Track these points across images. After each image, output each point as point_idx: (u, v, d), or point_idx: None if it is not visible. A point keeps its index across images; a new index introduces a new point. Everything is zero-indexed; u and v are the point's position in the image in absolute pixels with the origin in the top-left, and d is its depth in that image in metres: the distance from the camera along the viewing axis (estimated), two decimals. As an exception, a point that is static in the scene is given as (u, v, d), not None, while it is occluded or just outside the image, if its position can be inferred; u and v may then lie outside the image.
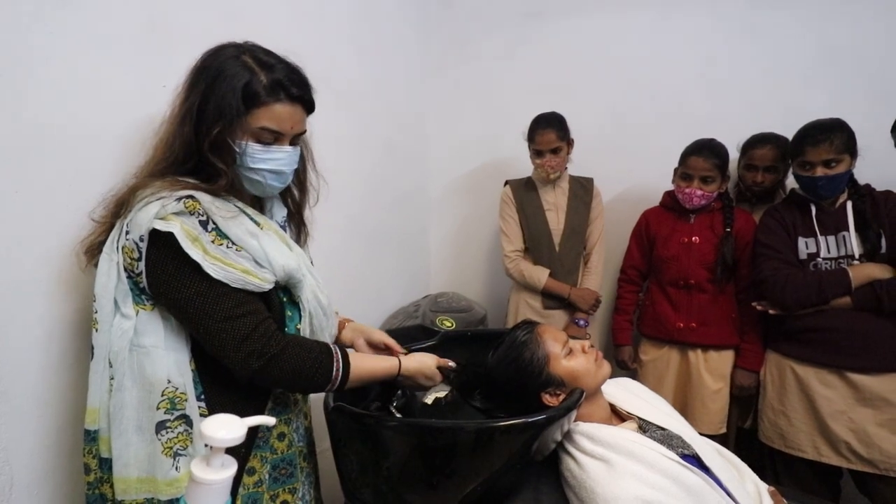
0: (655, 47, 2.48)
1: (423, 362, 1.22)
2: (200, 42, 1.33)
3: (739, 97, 2.36)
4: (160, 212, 0.95)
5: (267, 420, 0.79)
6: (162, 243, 0.95)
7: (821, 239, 1.83)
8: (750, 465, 1.30)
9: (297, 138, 1.09)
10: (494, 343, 1.28)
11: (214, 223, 1.00)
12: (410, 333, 2.23)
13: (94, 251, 1.04)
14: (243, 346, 0.98)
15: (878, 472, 1.75)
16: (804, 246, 1.87)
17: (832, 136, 1.76)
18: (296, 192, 1.22)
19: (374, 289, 2.38)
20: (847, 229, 1.80)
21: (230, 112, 0.98)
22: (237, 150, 1.01)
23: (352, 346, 1.32)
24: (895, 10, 2.14)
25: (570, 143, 2.29)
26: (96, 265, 1.02)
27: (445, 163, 2.96)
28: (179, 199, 0.97)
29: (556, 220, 2.36)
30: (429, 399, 1.31)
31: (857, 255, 1.78)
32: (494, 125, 2.79)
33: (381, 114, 2.41)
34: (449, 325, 2.30)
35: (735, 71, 2.37)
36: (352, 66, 2.09)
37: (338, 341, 1.31)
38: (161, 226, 0.94)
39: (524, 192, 2.40)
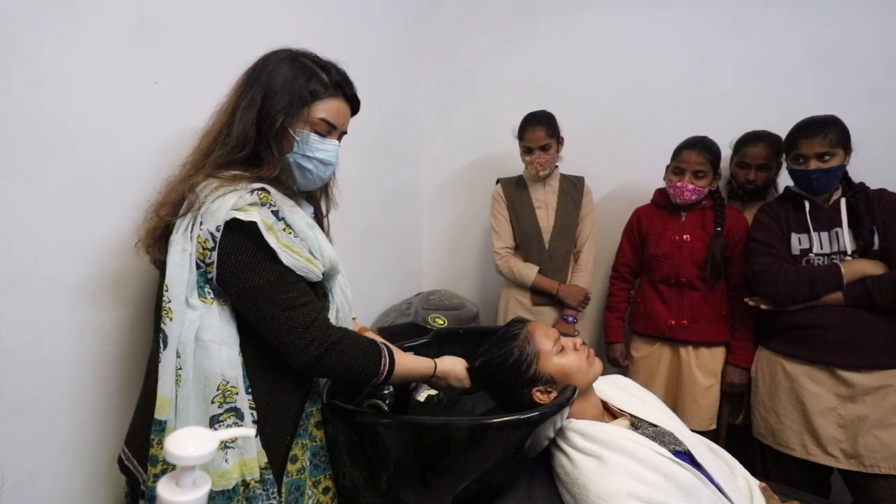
0: (647, 45, 2.49)
1: (454, 366, 1.27)
2: (192, 40, 1.33)
3: (731, 95, 2.37)
4: (238, 202, 1.00)
5: (246, 432, 0.79)
6: (239, 232, 1.00)
7: (814, 235, 1.84)
8: (741, 462, 1.31)
9: (341, 137, 1.19)
10: (486, 340, 1.28)
11: (283, 214, 1.06)
12: (403, 331, 2.24)
13: (151, 250, 1.09)
14: (307, 333, 1.03)
15: (865, 469, 1.76)
16: (797, 242, 1.87)
17: (826, 129, 1.77)
18: (322, 199, 1.30)
19: (365, 286, 2.38)
20: (840, 226, 1.81)
21: (297, 102, 1.08)
22: (297, 138, 1.10)
23: None
24: (886, 9, 2.16)
25: (559, 140, 2.30)
26: (154, 262, 1.09)
27: (437, 160, 2.96)
28: (253, 191, 1.03)
29: (546, 218, 2.37)
30: (421, 397, 1.31)
31: (849, 252, 1.79)
32: (486, 123, 2.80)
33: (373, 111, 2.40)
34: (441, 322, 2.30)
35: (726, 69, 2.38)
36: (344, 63, 2.08)
37: None
38: (242, 216, 0.99)
39: (515, 190, 2.41)
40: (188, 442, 0.63)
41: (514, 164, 2.43)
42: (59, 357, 1.14)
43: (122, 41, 1.22)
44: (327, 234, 1.30)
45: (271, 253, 1.01)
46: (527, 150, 2.29)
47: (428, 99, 2.89)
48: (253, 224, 0.99)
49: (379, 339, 1.20)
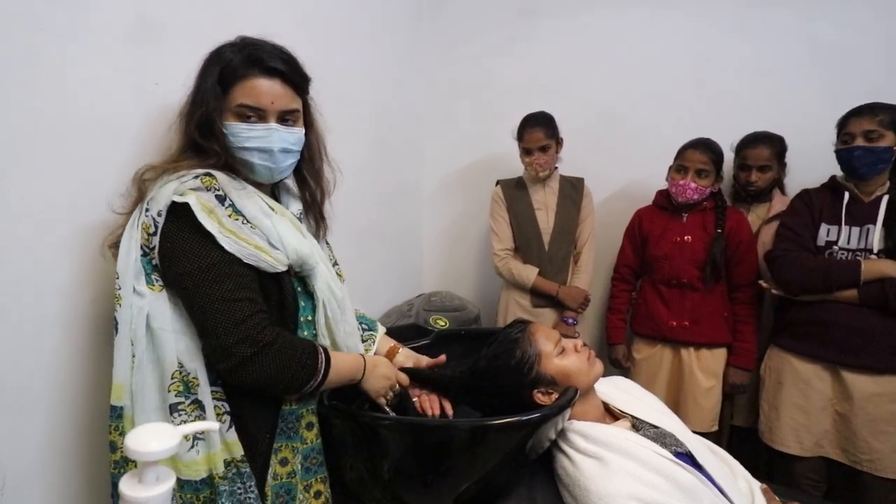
0: (647, 47, 2.49)
1: (376, 366, 1.19)
2: (192, 40, 1.33)
3: (732, 97, 2.37)
4: (178, 188, 0.99)
5: (210, 426, 0.79)
6: (178, 216, 0.98)
7: (844, 228, 1.79)
8: (743, 463, 1.30)
9: (287, 116, 1.09)
10: (488, 342, 1.28)
11: (230, 199, 1.03)
12: (404, 332, 2.23)
13: (114, 248, 1.06)
14: (236, 330, 0.96)
15: (863, 469, 1.77)
16: (825, 233, 1.83)
17: (877, 109, 1.73)
18: (312, 184, 1.23)
19: (365, 287, 2.37)
20: (874, 223, 1.75)
21: (211, 92, 1.03)
22: (224, 130, 1.04)
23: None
24: (887, 9, 2.15)
25: (559, 141, 2.30)
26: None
27: (438, 161, 2.96)
28: (197, 175, 1.01)
29: (546, 220, 2.36)
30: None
31: (875, 251, 1.74)
32: (487, 124, 2.79)
33: (374, 112, 2.41)
34: (443, 324, 2.30)
35: (727, 70, 2.38)
36: (344, 64, 2.08)
37: None
38: (179, 199, 0.97)
39: (514, 192, 2.41)
40: (151, 438, 0.63)
41: (514, 165, 2.43)
42: (60, 357, 1.14)
43: (123, 42, 1.22)
44: (320, 226, 1.27)
45: (209, 237, 0.97)
46: (526, 152, 2.29)
47: (428, 99, 2.89)
48: (186, 206, 0.96)
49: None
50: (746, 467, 1.29)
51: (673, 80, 2.46)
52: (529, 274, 2.32)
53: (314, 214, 1.26)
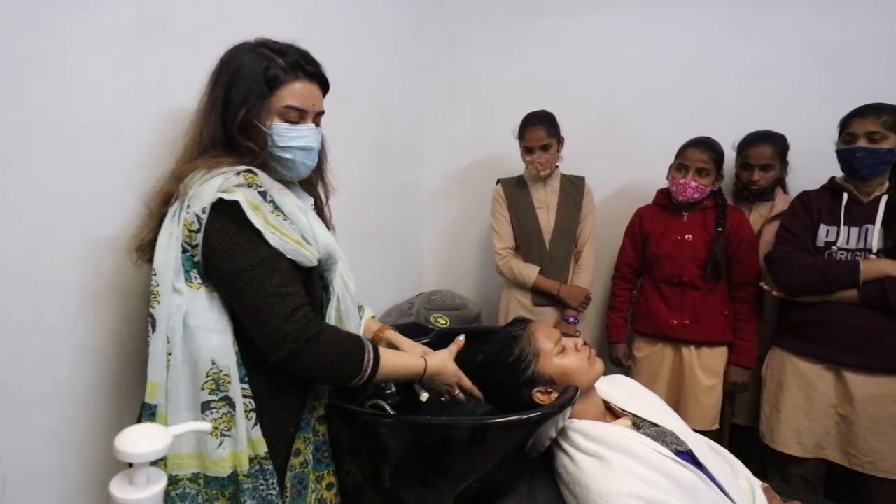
0: (648, 46, 2.49)
1: (445, 364, 1.21)
2: (193, 39, 1.33)
3: (732, 96, 2.37)
4: (223, 184, 1.00)
5: (200, 427, 0.79)
6: (224, 213, 0.99)
7: (843, 229, 1.79)
8: (743, 462, 1.30)
9: (318, 117, 1.16)
10: (488, 340, 1.28)
11: (271, 196, 1.05)
12: (405, 331, 2.23)
13: (144, 248, 1.08)
14: (285, 324, 0.99)
15: (864, 471, 1.76)
16: (824, 233, 1.83)
17: (881, 110, 1.72)
18: (318, 185, 1.27)
19: (365, 285, 2.36)
20: (873, 223, 1.75)
21: (255, 94, 1.05)
22: (266, 130, 1.07)
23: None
24: (888, 9, 2.15)
25: (560, 140, 2.30)
26: (149, 261, 1.05)
27: (438, 161, 2.95)
28: (239, 172, 1.03)
29: (547, 218, 2.36)
30: (423, 396, 1.31)
31: (874, 251, 1.74)
32: (487, 123, 2.79)
33: (374, 112, 2.40)
34: (443, 322, 2.30)
35: (727, 70, 2.38)
36: (345, 63, 2.08)
37: None
38: (226, 196, 0.98)
39: (515, 190, 2.41)
40: (141, 439, 0.62)
41: (515, 165, 2.43)
42: (60, 357, 1.14)
43: (124, 41, 1.22)
44: (329, 223, 1.30)
45: (257, 233, 0.99)
46: (527, 150, 2.29)
47: (428, 99, 2.89)
48: (236, 203, 0.98)
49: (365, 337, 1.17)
50: (747, 466, 1.29)
51: (673, 79, 2.46)
52: (530, 273, 2.32)
53: (322, 214, 1.28)
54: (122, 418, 1.25)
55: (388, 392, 1.31)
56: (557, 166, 2.37)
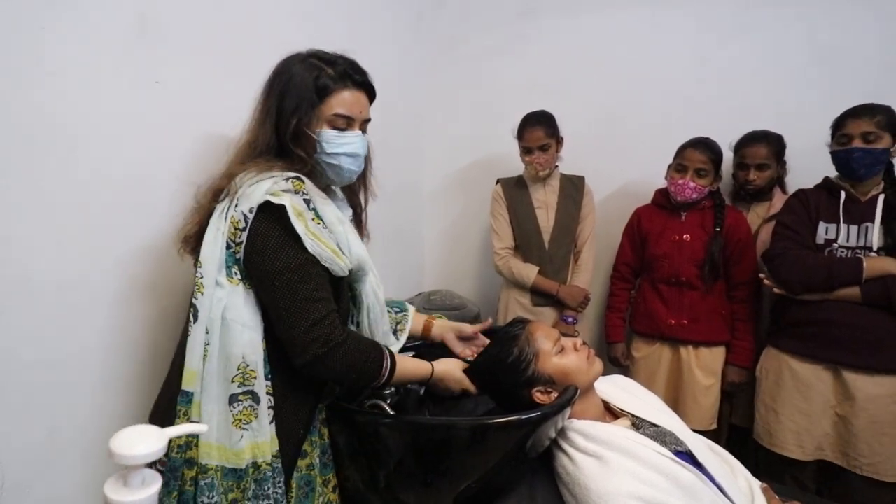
0: (647, 46, 2.49)
1: (451, 369, 1.26)
2: (193, 39, 1.33)
3: (731, 96, 2.37)
4: (272, 188, 1.04)
5: (197, 428, 0.80)
6: (269, 215, 1.04)
7: (842, 226, 1.78)
8: (742, 462, 1.31)
9: (365, 125, 1.22)
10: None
11: (314, 204, 1.09)
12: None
13: (189, 241, 1.13)
14: (313, 329, 1.04)
15: (863, 473, 1.75)
16: (823, 231, 1.82)
17: (875, 111, 1.73)
18: (360, 192, 1.33)
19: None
20: (872, 221, 1.75)
21: (306, 103, 1.10)
22: (317, 138, 1.12)
23: (442, 342, 1.44)
24: (886, 10, 2.15)
25: (559, 140, 2.30)
26: (191, 252, 1.12)
27: (438, 161, 2.95)
28: (288, 178, 1.07)
29: (546, 218, 2.36)
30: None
31: (875, 248, 1.73)
32: (487, 123, 2.78)
33: (375, 111, 2.39)
34: (442, 322, 2.30)
35: (727, 70, 2.38)
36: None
37: (426, 339, 1.46)
38: (274, 199, 1.03)
39: (515, 190, 2.41)
40: (137, 441, 0.61)
41: (514, 165, 2.43)
42: (60, 357, 1.14)
43: (124, 41, 1.22)
44: (365, 227, 1.36)
45: (297, 239, 1.03)
46: (526, 150, 2.29)
47: (429, 99, 2.89)
48: (282, 208, 1.02)
49: (428, 340, 1.26)
50: (746, 466, 1.30)
51: (672, 79, 2.46)
52: (529, 273, 2.32)
53: (358, 222, 1.34)
54: (122, 419, 1.25)
55: (387, 392, 1.31)
56: (557, 166, 2.38)
